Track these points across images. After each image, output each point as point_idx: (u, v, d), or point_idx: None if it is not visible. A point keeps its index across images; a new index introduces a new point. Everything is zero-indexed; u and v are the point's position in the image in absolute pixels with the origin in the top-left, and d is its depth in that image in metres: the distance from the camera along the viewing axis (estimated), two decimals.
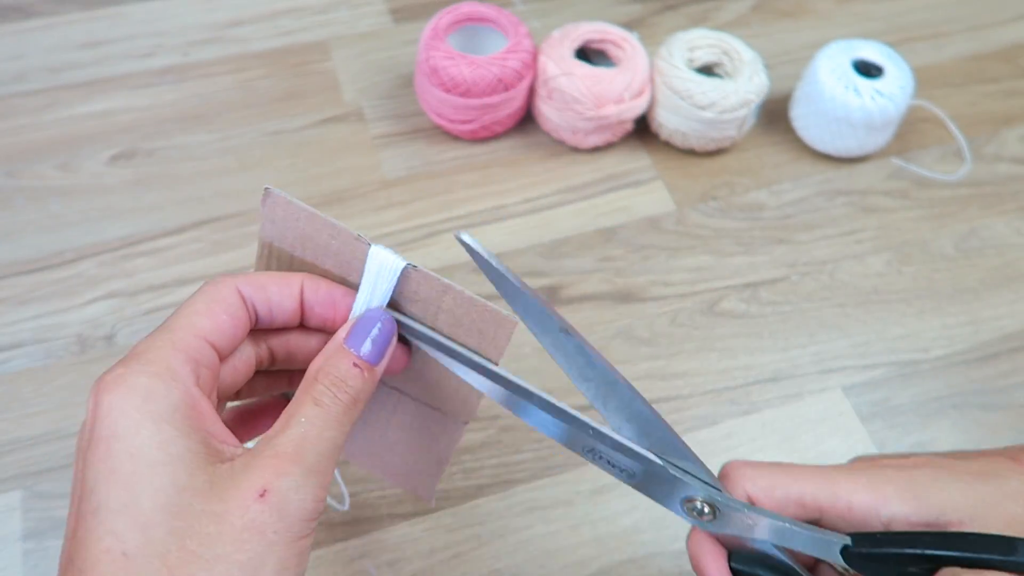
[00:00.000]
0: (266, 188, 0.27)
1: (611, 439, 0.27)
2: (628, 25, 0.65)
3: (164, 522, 0.22)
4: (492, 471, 0.43)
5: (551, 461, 0.43)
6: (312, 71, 0.61)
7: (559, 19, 0.65)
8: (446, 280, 0.27)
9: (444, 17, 0.55)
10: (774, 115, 0.60)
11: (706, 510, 0.28)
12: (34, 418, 0.44)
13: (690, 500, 0.28)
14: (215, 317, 0.26)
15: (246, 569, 0.22)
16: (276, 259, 0.29)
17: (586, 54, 0.57)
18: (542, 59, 0.54)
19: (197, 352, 0.25)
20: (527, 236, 0.53)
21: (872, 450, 0.45)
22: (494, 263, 0.27)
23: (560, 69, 0.53)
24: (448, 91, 0.53)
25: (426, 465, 0.33)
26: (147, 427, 0.22)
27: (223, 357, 0.26)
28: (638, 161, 0.57)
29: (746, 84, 0.53)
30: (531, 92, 0.56)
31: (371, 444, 0.33)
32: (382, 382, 0.30)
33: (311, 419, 0.24)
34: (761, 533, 0.27)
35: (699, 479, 0.28)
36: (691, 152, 0.57)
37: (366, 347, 0.26)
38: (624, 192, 0.55)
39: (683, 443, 0.28)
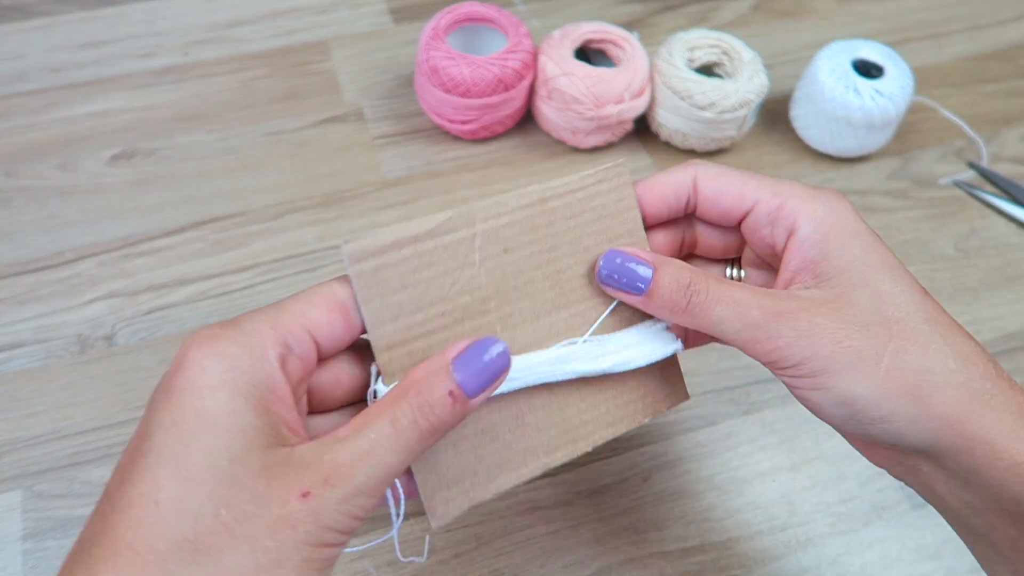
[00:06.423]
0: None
1: None
2: (628, 25, 0.65)
3: (207, 484, 0.22)
4: None
5: None
6: (312, 71, 0.61)
7: (559, 19, 0.65)
8: None
9: (444, 17, 0.55)
10: (774, 115, 0.60)
11: None
12: (34, 418, 0.44)
13: None
14: (327, 312, 0.25)
15: (270, 556, 0.22)
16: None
17: (586, 54, 0.57)
18: (542, 59, 0.54)
19: (295, 338, 0.24)
20: None
21: None
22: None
23: (560, 69, 0.53)
24: (448, 91, 0.53)
25: (464, 486, 0.28)
26: (222, 392, 0.23)
27: (325, 354, 0.26)
28: (638, 161, 0.57)
29: (746, 84, 0.53)
30: (531, 92, 0.56)
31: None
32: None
33: (380, 438, 0.23)
34: None
35: None
36: (691, 152, 0.57)
37: (470, 375, 0.25)
38: None
39: None
